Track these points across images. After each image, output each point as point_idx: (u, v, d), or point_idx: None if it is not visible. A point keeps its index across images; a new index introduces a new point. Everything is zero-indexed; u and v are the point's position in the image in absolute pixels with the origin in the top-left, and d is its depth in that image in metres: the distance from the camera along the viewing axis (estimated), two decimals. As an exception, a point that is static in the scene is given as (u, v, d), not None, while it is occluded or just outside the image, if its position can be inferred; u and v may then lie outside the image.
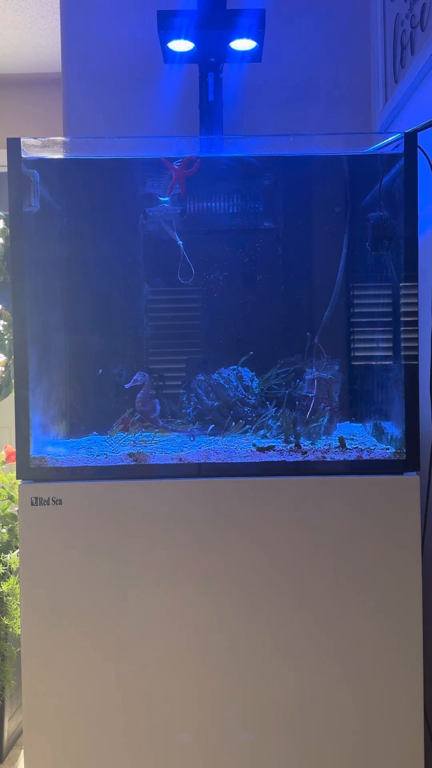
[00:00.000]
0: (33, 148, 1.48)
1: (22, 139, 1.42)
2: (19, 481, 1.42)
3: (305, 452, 1.44)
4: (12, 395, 2.10)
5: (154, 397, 1.57)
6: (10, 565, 2.08)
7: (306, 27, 2.13)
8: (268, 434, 1.56)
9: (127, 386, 1.57)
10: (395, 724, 1.37)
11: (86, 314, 1.71)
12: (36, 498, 1.38)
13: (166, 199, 1.68)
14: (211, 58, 1.87)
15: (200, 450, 1.46)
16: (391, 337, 1.55)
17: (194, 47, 1.83)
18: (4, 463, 2.31)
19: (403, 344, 1.42)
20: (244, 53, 1.86)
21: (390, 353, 1.55)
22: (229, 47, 1.83)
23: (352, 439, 1.55)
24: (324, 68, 2.13)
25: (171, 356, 1.76)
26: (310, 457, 1.43)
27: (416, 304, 1.41)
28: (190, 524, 1.38)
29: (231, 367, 1.66)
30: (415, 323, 1.41)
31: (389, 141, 1.46)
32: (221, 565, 1.38)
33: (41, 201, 1.50)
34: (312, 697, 1.38)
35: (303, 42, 2.13)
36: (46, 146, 1.50)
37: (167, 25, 1.77)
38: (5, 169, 1.42)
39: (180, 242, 1.66)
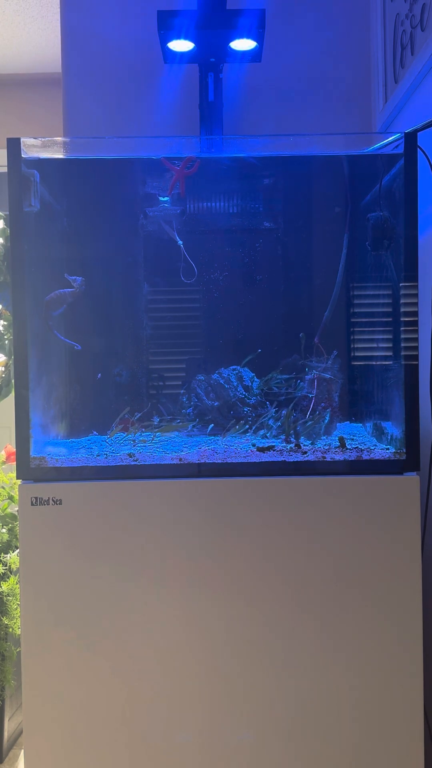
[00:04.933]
0: (33, 148, 1.48)
1: (22, 139, 1.42)
2: (19, 481, 1.42)
3: (305, 452, 1.44)
4: (12, 395, 2.10)
5: (67, 303, 1.55)
6: (10, 565, 2.08)
7: (306, 27, 2.13)
8: (268, 434, 1.56)
9: (67, 276, 1.55)
10: (395, 724, 1.37)
11: (86, 314, 1.71)
12: (36, 498, 1.38)
13: (166, 199, 1.68)
14: (211, 58, 1.87)
15: (200, 450, 1.46)
16: (391, 337, 1.55)
17: (194, 47, 1.83)
18: (4, 463, 2.31)
19: (403, 344, 1.42)
20: (244, 53, 1.86)
21: (390, 353, 1.55)
22: (229, 47, 1.83)
23: (352, 439, 1.55)
24: (324, 68, 2.13)
25: (171, 356, 1.76)
26: (310, 457, 1.43)
27: (416, 304, 1.41)
28: (190, 524, 1.38)
29: (231, 367, 1.66)
30: (415, 323, 1.41)
31: (389, 141, 1.46)
32: (221, 564, 1.38)
33: (41, 201, 1.50)
34: (312, 697, 1.38)
35: (303, 42, 2.13)
36: (46, 146, 1.50)
37: (167, 25, 1.77)
38: (5, 169, 1.42)
39: (180, 242, 1.66)
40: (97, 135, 2.12)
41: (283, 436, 1.53)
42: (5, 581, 2.06)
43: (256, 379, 1.65)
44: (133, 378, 1.72)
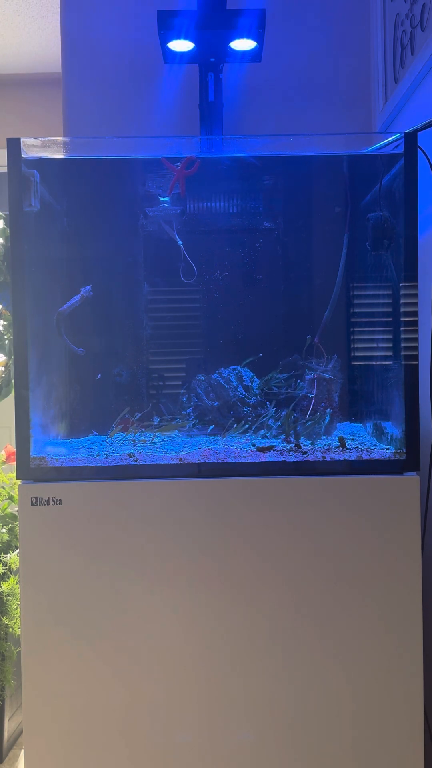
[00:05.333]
0: (33, 148, 1.48)
1: (22, 139, 1.42)
2: (19, 481, 1.42)
3: (305, 452, 1.44)
4: (12, 395, 2.10)
5: (72, 304, 1.58)
6: (10, 565, 2.08)
7: (306, 27, 2.13)
8: (268, 434, 1.56)
9: (81, 289, 1.58)
10: (395, 724, 1.37)
11: (86, 314, 1.71)
12: (36, 498, 1.38)
13: (166, 199, 1.68)
14: (211, 58, 1.87)
15: (200, 450, 1.46)
16: (391, 337, 1.55)
17: (194, 47, 1.83)
18: (4, 463, 2.31)
19: (403, 344, 1.42)
20: (244, 53, 1.86)
21: (390, 353, 1.55)
22: (229, 47, 1.83)
23: (352, 439, 1.55)
24: (324, 68, 2.13)
25: (171, 356, 1.76)
26: (310, 457, 1.43)
27: (416, 304, 1.41)
28: (189, 524, 1.38)
29: (231, 367, 1.66)
30: (415, 323, 1.41)
31: (389, 141, 1.46)
32: (221, 564, 1.38)
33: (41, 201, 1.50)
34: (312, 697, 1.38)
35: (303, 42, 2.13)
36: (46, 146, 1.50)
37: (167, 25, 1.77)
38: (5, 169, 1.42)
39: (180, 242, 1.66)
40: (97, 135, 2.12)
41: (283, 436, 1.53)
42: (5, 581, 2.06)
43: (256, 379, 1.65)
44: (133, 378, 1.72)
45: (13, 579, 2.07)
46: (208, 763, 1.38)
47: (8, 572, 2.09)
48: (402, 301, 1.42)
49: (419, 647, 1.37)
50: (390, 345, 1.55)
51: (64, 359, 1.69)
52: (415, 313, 1.41)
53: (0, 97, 3.96)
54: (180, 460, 1.43)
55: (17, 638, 2.10)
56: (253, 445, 1.47)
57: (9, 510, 2.20)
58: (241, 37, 1.79)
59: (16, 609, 2.06)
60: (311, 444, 1.49)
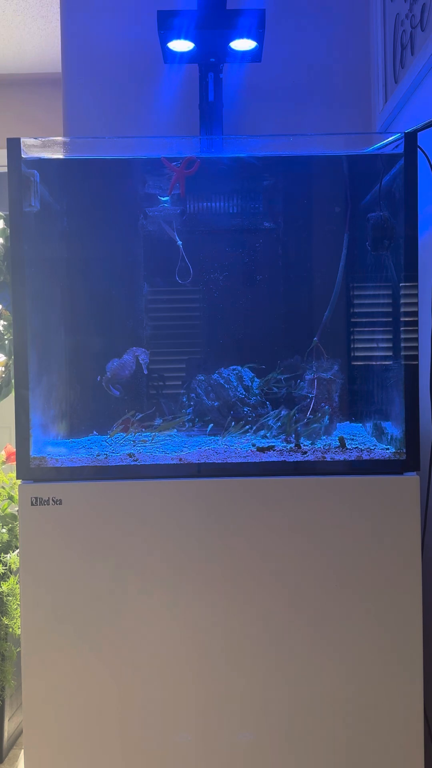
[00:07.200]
0: (33, 148, 1.48)
1: (22, 139, 1.42)
2: (19, 481, 1.42)
3: (305, 452, 1.44)
4: (12, 395, 2.10)
5: (131, 371, 1.58)
6: (10, 565, 2.08)
7: (306, 27, 2.13)
8: (268, 434, 1.56)
9: (139, 355, 1.58)
10: (395, 724, 1.37)
11: (86, 314, 1.71)
12: (36, 498, 1.38)
13: (166, 199, 1.68)
14: (211, 58, 1.87)
15: (200, 450, 1.46)
16: (391, 337, 1.55)
17: (194, 47, 1.83)
18: (4, 463, 2.31)
19: (403, 344, 1.42)
20: (244, 53, 1.86)
21: (390, 353, 1.55)
22: (229, 47, 1.83)
23: (352, 439, 1.55)
24: (324, 68, 2.13)
25: (171, 356, 1.76)
26: (310, 457, 1.43)
27: (416, 304, 1.41)
28: (189, 524, 1.38)
29: (231, 367, 1.66)
30: (415, 323, 1.41)
31: (389, 141, 1.46)
32: (220, 564, 1.38)
33: (41, 201, 1.50)
34: (311, 698, 1.38)
35: (303, 42, 2.13)
36: (46, 146, 1.50)
37: (167, 25, 1.77)
38: (5, 169, 1.42)
39: (179, 242, 1.66)
40: (97, 135, 2.12)
41: (282, 436, 1.53)
42: (5, 581, 2.06)
43: (256, 379, 1.65)
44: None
45: (13, 579, 2.07)
46: (208, 763, 1.38)
47: (8, 572, 2.09)
48: (402, 301, 1.42)
49: (419, 648, 1.37)
50: (390, 345, 1.55)
51: (64, 359, 1.69)
52: (415, 313, 1.41)
53: (0, 97, 3.96)
54: (180, 460, 1.43)
55: (17, 638, 2.10)
56: (253, 445, 1.47)
57: (9, 510, 2.20)
58: (241, 37, 1.79)
59: (16, 609, 2.06)
60: (311, 444, 1.49)
